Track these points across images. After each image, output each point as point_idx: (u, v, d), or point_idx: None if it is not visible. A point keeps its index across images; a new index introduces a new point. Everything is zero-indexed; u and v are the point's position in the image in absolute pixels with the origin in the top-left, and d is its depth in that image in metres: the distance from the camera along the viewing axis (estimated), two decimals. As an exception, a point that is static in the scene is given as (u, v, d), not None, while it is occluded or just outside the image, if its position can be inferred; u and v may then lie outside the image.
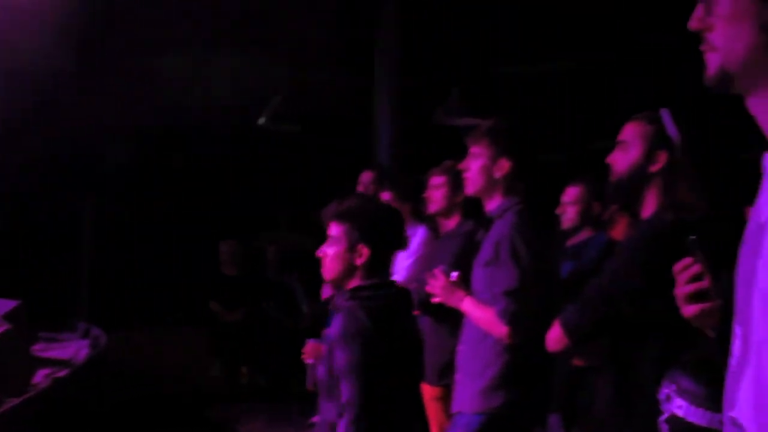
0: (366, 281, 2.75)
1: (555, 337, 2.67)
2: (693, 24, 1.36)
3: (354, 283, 2.76)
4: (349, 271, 2.77)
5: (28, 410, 3.73)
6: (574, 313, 2.62)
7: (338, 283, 2.82)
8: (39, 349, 5.14)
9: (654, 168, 2.57)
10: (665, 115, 2.53)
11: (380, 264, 2.80)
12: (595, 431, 3.09)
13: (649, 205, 2.60)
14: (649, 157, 2.58)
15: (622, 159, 2.64)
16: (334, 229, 2.79)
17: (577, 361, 3.55)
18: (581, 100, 9.59)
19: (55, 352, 5.25)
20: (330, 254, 2.79)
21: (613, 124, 2.77)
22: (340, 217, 2.78)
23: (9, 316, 4.52)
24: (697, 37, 1.39)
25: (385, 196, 4.95)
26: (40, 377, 4.36)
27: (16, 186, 6.99)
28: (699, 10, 1.35)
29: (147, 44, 8.46)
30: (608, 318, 2.58)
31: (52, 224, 7.86)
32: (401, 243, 2.99)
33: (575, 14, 7.93)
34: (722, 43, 1.32)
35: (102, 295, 8.29)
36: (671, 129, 2.51)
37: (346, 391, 2.59)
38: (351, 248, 2.75)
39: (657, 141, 2.57)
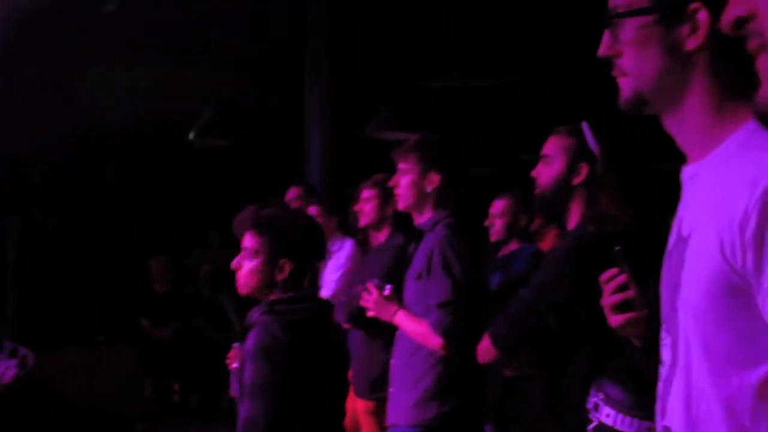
0: (284, 295, 2.67)
1: (484, 348, 2.67)
2: (602, 51, 1.40)
3: (274, 296, 2.67)
4: (268, 285, 2.68)
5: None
6: (502, 325, 2.62)
7: (256, 296, 2.72)
8: (-38, 371, 4.99)
9: (577, 180, 2.59)
10: (585, 128, 2.56)
11: (300, 277, 2.72)
12: None
13: (574, 217, 2.63)
14: (571, 169, 2.60)
15: (546, 172, 2.66)
16: (252, 241, 2.68)
17: (506, 372, 3.57)
18: (510, 113, 9.71)
19: (-21, 373, 5.09)
20: (248, 267, 2.68)
21: (541, 137, 2.79)
22: (259, 228, 2.68)
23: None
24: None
25: (312, 210, 4.94)
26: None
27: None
28: (606, 38, 1.39)
29: (74, 56, 8.32)
30: (536, 329, 2.59)
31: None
32: (322, 254, 2.96)
33: (505, 31, 8.04)
34: (632, 68, 1.36)
35: (29, 313, 8.08)
36: (592, 142, 2.55)
37: (247, 408, 2.52)
38: (272, 262, 2.65)
39: (578, 154, 2.59)
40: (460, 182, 3.39)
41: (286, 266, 2.64)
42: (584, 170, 2.58)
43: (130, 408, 7.91)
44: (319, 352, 2.70)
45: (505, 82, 9.42)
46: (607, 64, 1.42)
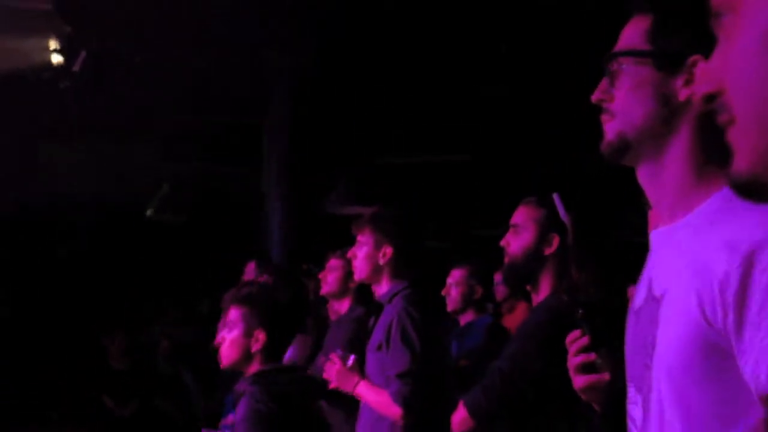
0: (267, 365, 2.71)
1: (460, 419, 2.64)
2: (596, 96, 1.39)
3: (254, 368, 2.71)
4: (246, 356, 2.72)
5: None
6: (478, 396, 2.60)
7: (236, 369, 2.78)
8: None
9: (548, 251, 2.61)
10: (556, 199, 2.57)
11: (277, 349, 2.77)
12: None
13: (544, 287, 2.63)
14: (542, 240, 2.61)
15: (516, 242, 2.66)
16: (233, 314, 2.75)
17: None
18: (463, 190, 9.82)
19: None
20: (228, 339, 2.74)
21: (492, 214, 2.83)
22: (239, 301, 2.75)
23: None
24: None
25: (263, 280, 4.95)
26: None
27: None
28: (603, 83, 1.39)
29: (31, 132, 8.30)
30: (511, 399, 2.59)
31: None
32: (298, 329, 2.98)
33: (456, 112, 8.18)
34: (622, 110, 1.36)
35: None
36: (563, 213, 2.56)
37: None
38: (248, 333, 2.71)
39: (549, 224, 2.60)
40: (414, 254, 3.41)
41: (261, 337, 2.70)
42: (555, 241, 2.60)
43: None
44: (305, 420, 2.74)
45: (458, 160, 9.55)
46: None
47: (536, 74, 7.07)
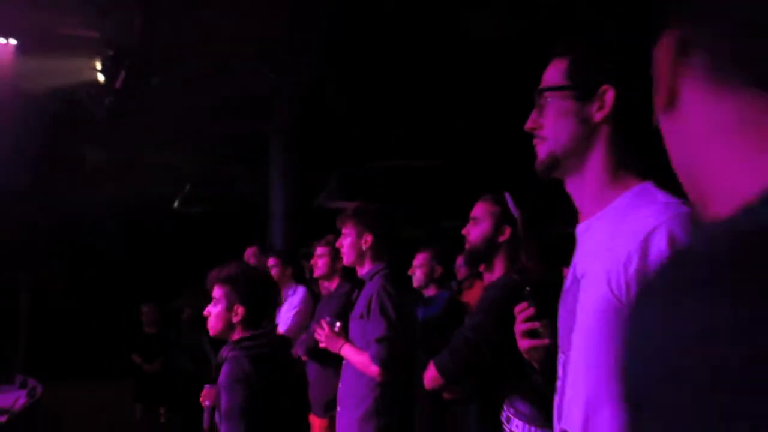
0: (245, 333, 2.67)
1: (431, 377, 2.65)
2: (528, 125, 1.42)
3: (236, 336, 2.67)
4: (229, 327, 2.68)
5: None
6: (446, 357, 2.60)
7: (222, 337, 2.73)
8: (-19, 400, 4.76)
9: (501, 239, 2.61)
10: (508, 197, 2.60)
11: (256, 320, 2.72)
12: None
13: (498, 269, 2.64)
14: (496, 230, 2.62)
15: (475, 231, 2.67)
16: (217, 292, 2.71)
17: (447, 395, 3.54)
18: (432, 188, 9.85)
19: (-4, 402, 4.86)
20: (213, 313, 2.70)
21: (456, 208, 2.82)
22: (221, 281, 2.70)
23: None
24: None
25: (271, 261, 4.92)
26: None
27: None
28: (534, 114, 1.42)
29: (80, 139, 8.23)
30: (473, 361, 2.58)
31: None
32: (273, 302, 2.95)
33: (429, 123, 8.20)
34: (551, 134, 1.39)
35: (38, 351, 7.79)
36: (513, 208, 2.58)
37: (226, 430, 2.50)
38: (229, 308, 2.67)
39: (502, 217, 2.62)
40: (390, 241, 3.39)
41: (240, 310, 2.66)
42: (507, 231, 2.60)
43: (123, 428, 7.68)
44: (280, 378, 2.67)
45: (428, 165, 9.57)
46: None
47: (495, 100, 7.10)
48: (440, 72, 7.02)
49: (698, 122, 0.57)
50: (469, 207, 2.76)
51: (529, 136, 1.46)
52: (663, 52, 0.59)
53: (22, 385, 5.59)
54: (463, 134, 8.41)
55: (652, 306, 0.50)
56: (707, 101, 0.56)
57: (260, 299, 2.74)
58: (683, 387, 0.46)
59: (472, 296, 4.67)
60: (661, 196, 1.28)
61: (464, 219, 2.76)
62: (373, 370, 3.08)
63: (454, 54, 6.58)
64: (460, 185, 9.57)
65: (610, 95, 1.33)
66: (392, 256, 3.37)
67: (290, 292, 4.88)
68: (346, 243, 3.36)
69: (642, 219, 1.22)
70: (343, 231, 3.38)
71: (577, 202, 1.41)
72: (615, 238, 1.25)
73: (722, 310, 0.45)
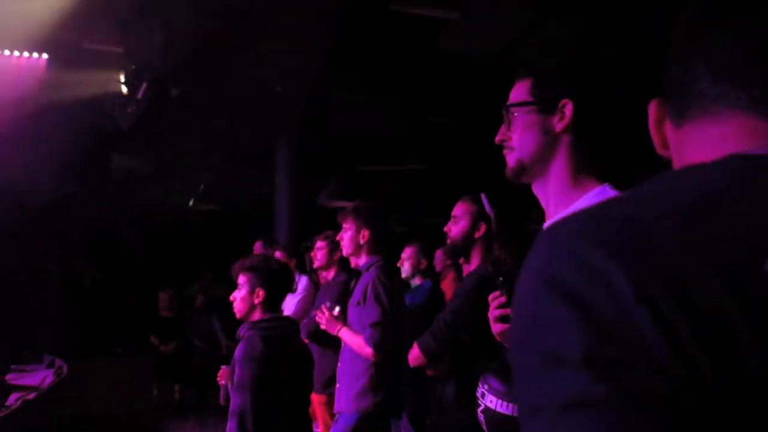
0: (264, 315, 2.71)
1: (415, 356, 2.69)
2: (499, 138, 1.44)
3: (256, 316, 2.71)
4: (251, 308, 2.73)
5: (3, 426, 3.43)
6: (428, 339, 2.63)
7: (245, 318, 2.76)
8: (12, 378, 4.74)
9: (477, 234, 2.66)
10: (484, 198, 2.64)
11: (274, 302, 2.77)
12: (443, 422, 3.11)
13: (475, 260, 2.69)
14: (474, 227, 2.66)
15: (455, 228, 2.71)
16: (241, 279, 2.76)
17: (429, 372, 3.58)
18: (419, 189, 9.88)
19: (26, 379, 4.85)
20: (238, 297, 2.75)
21: (440, 206, 2.86)
22: (245, 269, 2.76)
23: (-12, 353, 4.19)
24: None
25: (278, 254, 4.94)
26: (13, 400, 4.01)
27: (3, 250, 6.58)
28: (503, 128, 1.43)
29: (106, 147, 8.20)
30: (452, 342, 2.62)
31: (24, 279, 7.36)
32: (289, 287, 3.00)
33: (414, 135, 8.24)
34: (518, 145, 1.40)
35: (64, 332, 7.75)
36: (488, 208, 2.62)
37: (235, 401, 2.51)
38: (252, 291, 2.72)
39: (479, 216, 2.65)
40: (384, 236, 3.42)
41: (261, 293, 2.71)
42: (483, 227, 2.65)
43: (141, 403, 7.65)
44: (289, 357, 2.70)
45: (414, 169, 9.61)
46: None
47: (473, 109, 7.14)
48: (423, 86, 7.07)
49: (674, 154, 0.68)
50: (447, 206, 2.82)
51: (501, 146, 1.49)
52: (651, 116, 0.70)
53: (49, 365, 5.56)
54: (444, 141, 8.47)
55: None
56: (674, 138, 0.67)
57: (278, 284, 2.80)
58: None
59: (446, 285, 4.73)
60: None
61: (442, 217, 2.81)
62: (368, 351, 3.09)
63: (435, 70, 6.62)
64: (439, 187, 9.64)
65: (569, 107, 1.35)
66: (386, 250, 3.40)
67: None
68: (346, 236, 3.37)
69: None
70: (344, 225, 3.39)
71: (543, 203, 1.43)
72: None
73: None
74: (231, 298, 2.78)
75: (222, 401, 2.94)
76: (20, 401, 3.94)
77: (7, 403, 3.90)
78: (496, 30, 5.67)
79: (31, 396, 4.17)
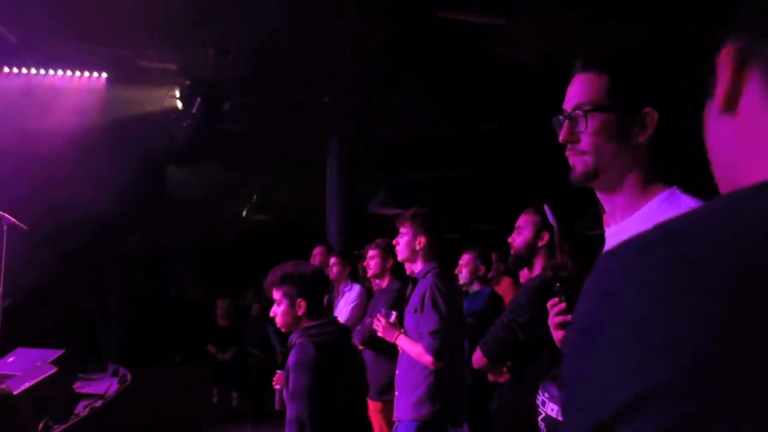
0: (312, 322, 2.64)
1: (477, 358, 2.72)
2: (563, 137, 1.34)
3: (304, 326, 2.65)
4: (296, 320, 2.65)
5: (72, 433, 3.51)
6: (488, 340, 2.68)
7: (292, 331, 2.68)
8: (79, 386, 4.85)
9: (541, 243, 2.69)
10: (547, 208, 2.63)
11: (317, 308, 2.69)
12: (501, 428, 3.06)
13: (537, 267, 2.70)
14: (537, 236, 2.70)
15: (519, 238, 2.75)
16: (276, 294, 2.67)
17: (491, 377, 3.54)
18: (470, 195, 9.81)
19: (92, 387, 4.94)
20: (279, 312, 2.67)
21: (493, 212, 2.84)
22: (278, 283, 2.67)
23: (56, 361, 4.30)
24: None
25: (332, 260, 4.94)
26: (80, 408, 4.10)
27: (66, 263, 6.78)
28: (566, 127, 1.33)
29: (161, 160, 8.38)
30: (510, 343, 2.61)
31: (87, 291, 7.58)
32: (327, 289, 2.94)
33: (464, 143, 8.19)
34: (591, 149, 1.31)
35: (127, 342, 7.95)
36: (551, 218, 2.61)
37: (292, 410, 2.47)
38: (292, 303, 2.64)
39: (542, 226, 2.69)
40: (440, 243, 3.38)
41: (302, 303, 2.64)
42: (546, 237, 2.68)
43: (200, 411, 7.76)
44: (341, 362, 2.65)
45: (462, 176, 9.55)
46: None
47: (521, 115, 7.06)
48: (472, 93, 7.02)
49: (753, 126, 0.56)
50: (494, 213, 2.84)
51: (551, 150, 1.41)
52: (725, 61, 0.57)
53: (114, 374, 5.68)
54: (492, 148, 8.39)
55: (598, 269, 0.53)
56: (764, 108, 0.55)
57: (317, 289, 2.72)
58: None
59: (502, 290, 4.68)
60: (686, 200, 1.23)
61: (490, 223, 2.82)
62: (427, 359, 3.04)
63: (484, 77, 6.56)
64: (486, 194, 9.56)
65: (653, 118, 1.26)
66: (442, 256, 3.35)
67: (347, 288, 4.87)
68: (402, 241, 3.33)
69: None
70: (401, 230, 3.36)
71: (609, 209, 1.35)
72: None
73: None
74: (271, 314, 2.70)
75: (277, 406, 2.93)
76: (88, 409, 4.02)
77: (76, 411, 3.99)
78: (544, 36, 5.59)
79: (98, 404, 4.26)
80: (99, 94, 7.40)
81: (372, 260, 4.34)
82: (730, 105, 0.58)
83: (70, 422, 3.60)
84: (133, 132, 7.25)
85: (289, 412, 2.49)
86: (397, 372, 3.30)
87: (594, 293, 0.51)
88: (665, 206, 1.25)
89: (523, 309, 2.57)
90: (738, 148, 0.58)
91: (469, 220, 10.15)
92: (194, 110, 6.82)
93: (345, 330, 2.83)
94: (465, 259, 4.48)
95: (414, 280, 3.33)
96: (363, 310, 4.60)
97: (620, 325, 0.46)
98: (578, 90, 1.34)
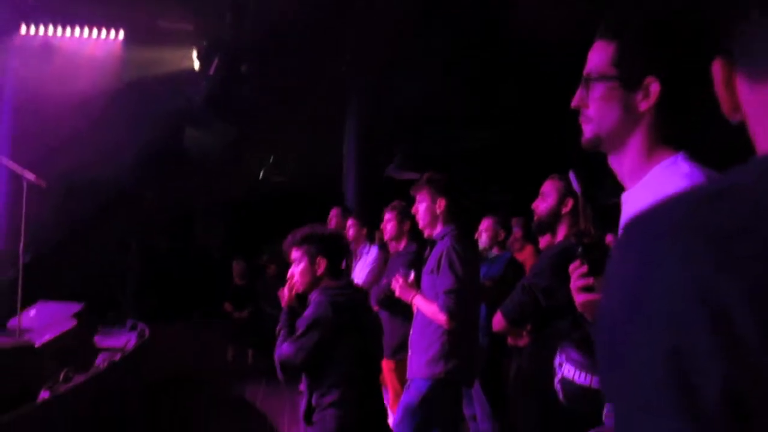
0: (332, 283, 2.62)
1: (497, 321, 2.75)
2: (574, 103, 1.36)
3: (324, 285, 2.63)
4: (315, 280, 2.63)
5: (92, 384, 3.59)
6: (509, 303, 2.70)
7: (310, 292, 2.66)
8: (99, 340, 4.96)
9: (564, 210, 2.71)
10: (572, 175, 2.62)
11: (337, 269, 2.67)
12: (520, 390, 3.09)
13: (561, 233, 2.73)
14: (561, 202, 2.72)
15: (543, 204, 2.76)
16: (296, 254, 2.64)
17: (510, 341, 3.56)
18: (487, 162, 9.76)
19: (111, 341, 5.07)
20: (298, 272, 2.64)
21: (508, 179, 2.84)
22: (299, 242, 2.65)
23: (77, 315, 4.39)
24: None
25: (349, 222, 4.93)
26: (100, 360, 4.20)
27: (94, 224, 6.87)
28: (579, 94, 1.35)
29: (179, 120, 8.37)
30: (531, 306, 2.63)
31: (108, 249, 7.68)
32: (347, 251, 2.94)
33: (486, 108, 8.11)
34: (596, 117, 1.33)
35: (145, 298, 8.07)
36: (576, 185, 2.59)
37: (287, 348, 2.51)
38: (312, 262, 2.61)
39: (566, 192, 2.70)
40: (459, 206, 3.36)
41: (322, 262, 2.61)
42: (570, 203, 2.70)
43: (217, 367, 7.89)
44: (358, 325, 2.64)
45: (479, 143, 9.48)
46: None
47: (543, 83, 6.96)
48: (492, 57, 6.91)
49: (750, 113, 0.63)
50: (515, 181, 2.83)
51: (573, 114, 1.41)
52: (717, 77, 0.66)
53: (133, 328, 5.78)
54: (510, 117, 8.30)
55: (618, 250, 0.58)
56: (752, 100, 0.62)
57: (337, 249, 2.70)
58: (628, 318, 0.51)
59: (522, 257, 4.67)
60: (686, 168, 1.24)
61: (511, 192, 2.82)
62: (441, 318, 3.05)
63: (502, 43, 6.45)
64: (503, 162, 9.48)
65: (655, 87, 1.25)
66: (461, 220, 3.33)
67: (365, 250, 4.86)
68: (421, 208, 3.31)
69: (666, 189, 1.13)
70: (417, 197, 3.33)
71: (619, 175, 1.37)
72: (641, 206, 1.22)
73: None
74: (289, 275, 2.67)
75: None
76: (107, 361, 4.11)
77: (96, 363, 4.08)
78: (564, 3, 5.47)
79: (117, 357, 4.35)
80: (116, 55, 7.38)
81: (389, 223, 4.33)
82: (734, 109, 0.65)
83: (90, 374, 3.68)
84: (150, 93, 7.24)
85: (284, 349, 2.51)
86: (411, 332, 3.32)
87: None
88: (666, 174, 1.26)
89: (544, 274, 2.58)
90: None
91: (487, 189, 10.10)
92: (211, 71, 6.79)
93: (364, 294, 2.83)
94: (485, 224, 4.47)
95: (432, 243, 3.33)
96: (380, 272, 4.60)
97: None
98: (591, 57, 1.36)
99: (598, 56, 1.33)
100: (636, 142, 1.30)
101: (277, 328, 2.72)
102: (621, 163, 1.34)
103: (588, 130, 1.34)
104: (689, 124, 1.30)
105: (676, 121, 1.29)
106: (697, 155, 1.28)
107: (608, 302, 0.54)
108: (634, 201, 1.30)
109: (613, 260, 0.57)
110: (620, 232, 1.32)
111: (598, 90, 1.32)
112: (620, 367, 0.50)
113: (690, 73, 1.25)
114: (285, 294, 2.75)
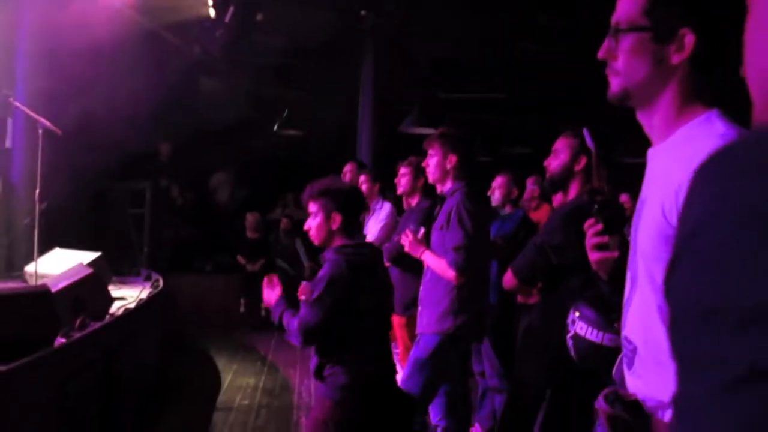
0: (348, 241, 2.61)
1: (507, 278, 2.77)
2: (601, 54, 1.29)
3: (338, 242, 2.61)
4: (329, 235, 2.62)
5: (107, 331, 3.65)
6: (519, 261, 2.71)
7: (325, 245, 2.67)
8: (114, 288, 5.03)
9: (577, 168, 2.69)
10: (586, 132, 2.57)
11: (352, 225, 2.66)
12: (529, 346, 3.11)
13: (573, 191, 2.71)
14: (574, 160, 2.70)
15: (555, 161, 2.74)
16: (313, 207, 2.64)
17: (519, 299, 3.56)
18: (504, 118, 9.65)
19: (125, 290, 5.13)
20: (314, 225, 2.64)
21: (523, 136, 2.80)
22: (316, 196, 2.64)
23: (92, 264, 4.44)
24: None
25: (362, 178, 4.91)
26: (115, 308, 4.26)
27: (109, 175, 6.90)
28: (606, 44, 1.28)
29: (194, 69, 8.30)
30: (542, 265, 2.63)
31: (125, 199, 7.72)
32: (363, 207, 2.92)
33: (499, 65, 7.97)
34: (625, 70, 1.27)
35: (160, 249, 8.15)
36: (590, 142, 2.56)
37: (304, 313, 2.51)
38: (327, 216, 2.60)
39: (579, 149, 2.67)
40: (470, 162, 3.32)
41: (337, 218, 2.60)
42: (583, 161, 2.67)
43: (228, 320, 8.00)
44: (372, 283, 2.64)
45: (496, 97, 9.35)
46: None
47: (563, 41, 6.80)
48: (509, 12, 6.75)
49: None
50: (531, 136, 2.79)
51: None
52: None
53: (147, 278, 5.85)
54: (528, 70, 8.15)
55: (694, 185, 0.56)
56: None
57: (353, 205, 2.69)
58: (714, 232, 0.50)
59: (537, 216, 4.63)
60: (721, 127, 1.19)
61: (527, 146, 2.79)
62: (450, 274, 3.06)
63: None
64: (521, 117, 9.36)
65: (689, 39, 1.19)
66: (472, 176, 3.30)
67: (378, 206, 4.85)
68: (432, 162, 3.29)
69: (698, 149, 1.09)
70: (429, 152, 3.30)
71: (647, 130, 1.31)
72: (672, 166, 1.17)
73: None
74: (305, 227, 2.69)
75: None
76: (121, 310, 4.17)
77: (111, 311, 4.15)
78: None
79: (131, 305, 4.41)
80: (132, 2, 7.27)
81: (403, 178, 4.31)
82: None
83: (105, 321, 3.74)
84: (165, 41, 7.16)
85: (301, 313, 2.52)
86: (420, 288, 3.34)
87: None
88: (699, 132, 1.21)
89: (556, 232, 2.57)
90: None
91: (502, 144, 9.99)
92: (227, 19, 6.68)
93: (377, 251, 2.82)
94: (498, 181, 4.43)
95: (442, 199, 3.31)
96: (392, 228, 4.60)
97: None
98: (620, 4, 1.29)
99: (629, 4, 1.27)
100: (667, 97, 1.25)
101: (275, 319, 2.74)
102: (651, 119, 1.29)
103: (615, 84, 1.28)
104: (724, 80, 1.23)
105: (710, 77, 1.24)
106: (729, 113, 1.23)
107: (707, 216, 0.54)
108: (662, 158, 1.26)
109: (717, 177, 0.55)
110: (643, 189, 1.30)
111: (627, 41, 1.25)
112: (725, 280, 0.48)
113: (727, 25, 1.19)
114: (270, 297, 2.78)
